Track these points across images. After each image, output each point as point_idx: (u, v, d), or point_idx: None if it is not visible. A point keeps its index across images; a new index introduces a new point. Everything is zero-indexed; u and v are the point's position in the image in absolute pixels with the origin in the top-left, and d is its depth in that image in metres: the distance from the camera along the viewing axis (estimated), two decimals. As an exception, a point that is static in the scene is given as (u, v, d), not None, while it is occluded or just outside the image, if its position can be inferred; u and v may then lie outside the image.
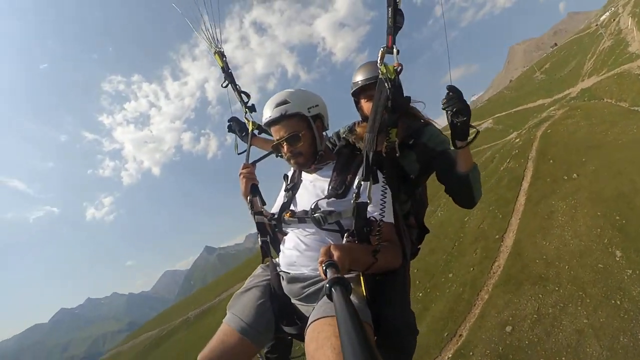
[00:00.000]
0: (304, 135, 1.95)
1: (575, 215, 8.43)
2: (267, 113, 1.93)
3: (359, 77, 2.36)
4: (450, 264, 11.06)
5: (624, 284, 6.33)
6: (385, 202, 1.75)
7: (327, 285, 1.06)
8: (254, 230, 2.16)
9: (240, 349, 1.73)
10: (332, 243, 1.66)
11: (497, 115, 45.32)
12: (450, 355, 7.51)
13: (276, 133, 1.97)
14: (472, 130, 1.85)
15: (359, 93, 2.37)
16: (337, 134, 2.67)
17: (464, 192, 2.04)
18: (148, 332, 57.32)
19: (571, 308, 6.40)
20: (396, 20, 1.68)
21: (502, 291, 8.05)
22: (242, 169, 2.29)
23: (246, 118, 2.72)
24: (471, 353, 7.15)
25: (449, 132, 1.86)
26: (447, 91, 1.77)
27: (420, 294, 10.66)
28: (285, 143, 1.95)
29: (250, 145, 2.55)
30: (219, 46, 2.79)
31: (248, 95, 2.74)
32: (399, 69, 1.77)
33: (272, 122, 1.94)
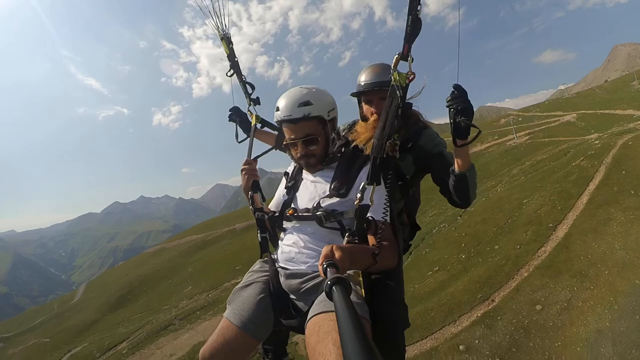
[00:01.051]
0: (320, 139, 2.02)
1: (630, 230, 8.94)
2: (287, 111, 1.96)
3: (363, 79, 2.41)
4: (498, 237, 11.90)
5: (652, 306, 7.08)
6: (387, 204, 1.86)
7: (328, 284, 1.10)
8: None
9: (241, 342, 1.84)
10: (333, 243, 1.72)
11: (582, 112, 42.75)
12: (479, 314, 8.71)
13: (292, 132, 2.01)
14: (472, 134, 1.95)
15: (360, 94, 2.45)
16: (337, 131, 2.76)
17: (460, 191, 2.13)
18: (193, 235, 59.81)
19: (599, 309, 7.24)
20: (414, 28, 1.73)
21: (541, 274, 8.99)
22: (244, 164, 2.35)
23: (249, 111, 2.76)
24: (499, 317, 8.21)
25: (451, 131, 1.95)
26: (452, 89, 1.87)
27: (463, 256, 11.79)
28: (300, 144, 2.02)
29: (253, 140, 2.58)
30: (226, 31, 2.74)
31: (253, 87, 2.75)
32: (411, 78, 1.81)
33: (291, 121, 1.97)
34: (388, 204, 1.85)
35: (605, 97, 49.64)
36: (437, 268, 12.24)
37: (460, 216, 15.72)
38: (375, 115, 2.34)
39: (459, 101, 1.81)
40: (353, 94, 2.48)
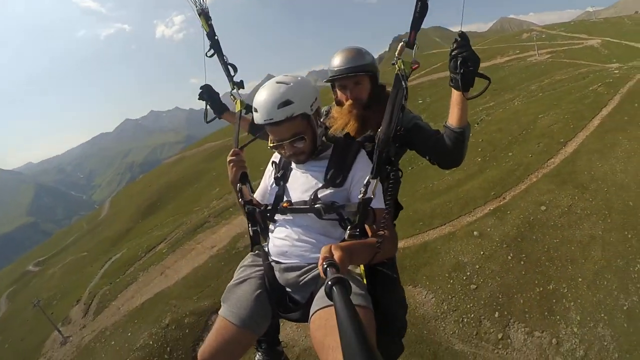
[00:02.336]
0: (308, 135, 1.94)
1: (632, 157, 10.28)
2: (268, 114, 1.83)
3: (336, 64, 2.27)
4: (513, 145, 13.42)
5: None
6: (390, 192, 1.85)
7: (328, 284, 1.09)
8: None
9: (241, 339, 1.82)
10: (329, 234, 1.86)
11: (607, 39, 41.13)
12: (492, 208, 10.50)
13: (277, 134, 1.92)
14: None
15: (334, 80, 2.30)
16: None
17: (457, 148, 2.00)
18: (211, 143, 59.46)
19: (594, 218, 8.89)
20: (422, 14, 1.69)
21: (548, 181, 10.64)
22: (231, 155, 2.22)
23: (232, 95, 2.60)
24: (509, 212, 10.04)
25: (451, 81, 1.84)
26: (456, 37, 1.78)
27: (479, 159, 13.40)
28: (287, 144, 1.93)
29: (239, 127, 2.44)
30: (204, 5, 2.54)
31: (235, 69, 2.58)
32: (415, 67, 1.81)
33: (274, 124, 1.85)
34: (390, 192, 1.86)
35: (633, 29, 48.18)
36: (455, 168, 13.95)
37: (478, 124, 17.01)
38: (350, 100, 2.26)
39: (465, 49, 1.75)
40: (327, 80, 2.36)
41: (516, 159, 12.44)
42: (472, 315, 8.03)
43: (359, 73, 2.19)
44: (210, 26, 2.52)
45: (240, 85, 2.58)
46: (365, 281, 1.81)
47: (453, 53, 1.77)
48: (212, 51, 2.54)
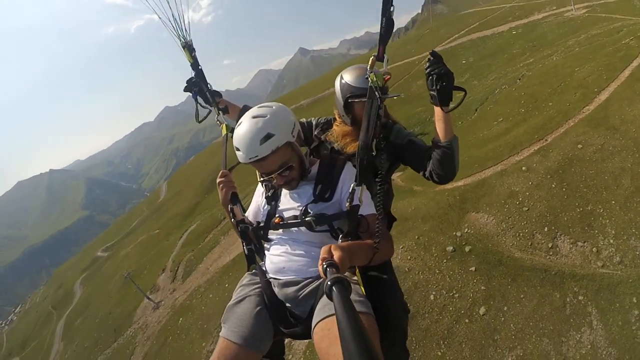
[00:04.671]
0: (294, 162, 2.00)
1: None
2: (251, 152, 1.84)
3: (355, 82, 2.35)
4: (552, 96, 15.17)
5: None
6: (380, 198, 1.93)
7: (327, 284, 1.12)
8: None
9: (244, 359, 1.81)
10: (324, 245, 1.74)
11: None
12: (536, 148, 12.45)
13: (264, 168, 1.95)
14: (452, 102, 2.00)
15: (356, 98, 2.35)
16: (310, 124, 2.72)
17: (447, 163, 2.09)
18: None
19: (624, 154, 10.28)
20: (388, 30, 1.75)
21: (584, 125, 12.36)
22: (220, 177, 2.26)
23: (218, 120, 2.62)
24: (550, 150, 11.87)
25: (431, 99, 2.00)
26: (429, 57, 1.92)
27: (523, 110, 15.37)
28: (277, 176, 1.97)
29: (226, 150, 2.40)
30: (187, 37, 2.61)
31: (220, 95, 2.63)
32: (387, 78, 1.94)
33: (261, 159, 1.87)
34: (379, 198, 1.91)
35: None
36: (501, 119, 16.04)
37: (519, 79, 18.91)
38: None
39: (438, 67, 1.85)
40: (347, 97, 2.37)
41: (556, 107, 14.17)
42: (526, 231, 10.00)
43: None
44: (194, 57, 2.61)
45: (225, 110, 2.63)
46: (362, 287, 1.82)
47: (427, 71, 1.90)
48: (196, 79, 2.63)
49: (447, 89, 1.91)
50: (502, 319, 8.08)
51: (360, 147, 1.91)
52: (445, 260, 10.22)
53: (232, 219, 2.24)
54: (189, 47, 2.58)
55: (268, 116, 1.89)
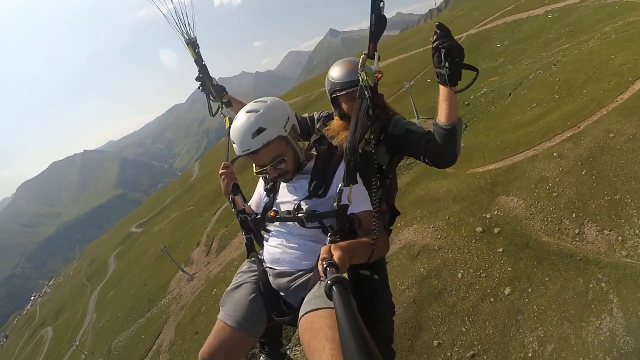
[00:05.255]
0: (288, 155, 2.02)
1: None
2: (244, 146, 1.90)
3: (338, 78, 2.31)
4: (587, 83, 15.14)
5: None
6: (375, 195, 1.91)
7: (328, 284, 1.14)
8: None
9: (238, 342, 1.93)
10: (317, 241, 1.97)
11: None
12: (568, 135, 12.65)
13: (258, 161, 2.00)
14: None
15: (339, 92, 2.32)
16: (312, 119, 2.74)
17: (449, 146, 1.96)
18: (290, 100, 61.94)
19: None
20: (379, 27, 1.70)
21: (617, 114, 12.41)
22: (223, 169, 2.37)
23: (222, 114, 2.68)
24: (582, 138, 12.02)
25: (437, 78, 1.80)
26: (435, 30, 1.71)
27: (557, 97, 15.44)
28: (270, 169, 2.01)
29: (229, 143, 2.33)
30: (192, 34, 2.63)
31: (224, 89, 2.70)
32: (379, 77, 1.88)
33: (252, 153, 1.93)
34: (374, 194, 1.91)
35: None
36: (535, 105, 16.13)
37: (555, 65, 18.80)
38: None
39: (447, 40, 1.68)
40: (332, 93, 2.37)
41: (590, 95, 14.22)
42: (555, 216, 10.37)
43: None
44: (198, 54, 2.64)
45: (228, 104, 2.69)
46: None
47: (435, 45, 1.71)
48: (201, 75, 2.69)
49: (458, 67, 1.73)
50: (526, 300, 8.54)
51: (348, 149, 1.88)
52: (474, 241, 10.75)
53: (234, 209, 2.33)
54: (192, 44, 2.62)
55: (261, 111, 1.94)
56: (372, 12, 1.66)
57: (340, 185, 1.88)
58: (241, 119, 1.93)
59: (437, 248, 11.08)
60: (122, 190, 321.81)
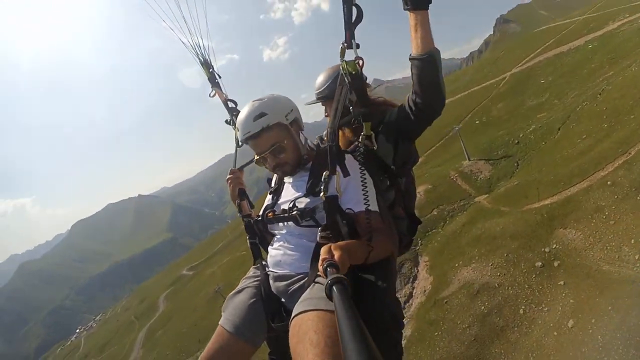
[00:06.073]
0: (287, 144, 1.97)
1: None
2: (245, 128, 1.92)
3: (315, 87, 2.35)
4: (634, 108, 15.27)
5: None
6: (367, 192, 1.78)
7: (328, 284, 1.11)
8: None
9: (236, 349, 1.83)
10: (331, 243, 1.66)
11: None
12: (620, 162, 12.64)
13: (257, 147, 1.97)
14: None
15: (320, 100, 2.37)
16: (321, 138, 2.62)
17: (428, 80, 1.77)
18: None
19: None
20: (353, 15, 1.67)
21: None
22: (230, 174, 2.39)
23: (232, 126, 2.65)
24: (634, 163, 12.06)
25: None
26: None
27: (605, 125, 15.62)
28: (269, 155, 1.96)
29: (237, 151, 2.54)
30: (206, 55, 2.75)
31: (235, 103, 2.72)
32: (360, 63, 1.79)
33: (252, 137, 1.92)
34: (368, 190, 1.79)
35: None
36: (585, 136, 16.31)
37: (600, 94, 18.95)
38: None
39: None
40: (318, 101, 2.42)
41: (638, 120, 14.27)
42: (614, 244, 10.30)
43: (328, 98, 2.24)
44: (212, 73, 2.76)
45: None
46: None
47: None
48: (213, 92, 2.76)
49: None
50: (590, 331, 8.55)
51: (328, 133, 1.86)
52: (534, 276, 10.86)
53: (239, 213, 2.33)
54: (206, 64, 2.75)
55: (265, 99, 1.98)
56: (344, 3, 1.67)
57: (325, 173, 1.78)
58: (246, 107, 1.98)
59: (496, 285, 11.22)
60: (172, 234, 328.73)
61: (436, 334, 11.09)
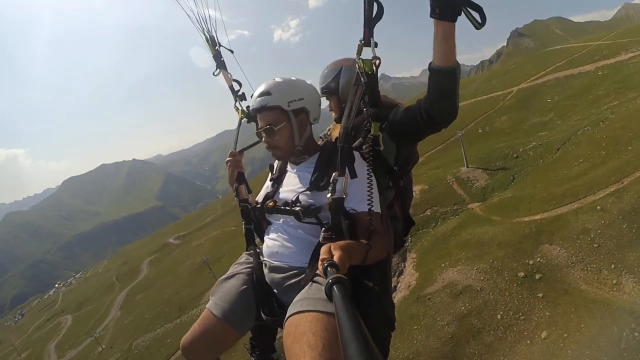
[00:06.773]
0: (281, 129, 1.93)
1: None
2: (252, 102, 1.97)
3: (319, 83, 2.34)
4: (633, 140, 15.88)
5: None
6: (372, 192, 1.77)
7: (328, 284, 1.10)
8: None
9: (221, 333, 1.82)
10: (316, 237, 1.78)
11: None
12: (612, 190, 13.05)
13: (259, 122, 2.00)
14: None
15: (325, 95, 2.33)
16: (325, 137, 2.69)
17: (447, 94, 1.74)
18: None
19: None
20: (373, 12, 1.62)
21: None
22: (229, 156, 2.34)
23: (235, 107, 2.64)
24: (625, 193, 12.53)
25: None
26: None
27: (603, 152, 16.26)
28: (263, 134, 1.98)
29: (238, 133, 2.54)
30: (212, 32, 2.67)
31: (240, 84, 2.66)
32: (377, 63, 1.73)
33: (255, 111, 1.98)
34: (371, 193, 1.78)
35: None
36: (582, 160, 16.84)
37: (602, 122, 19.50)
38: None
39: None
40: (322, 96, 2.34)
41: (635, 152, 14.77)
42: (594, 266, 10.87)
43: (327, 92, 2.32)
44: (217, 51, 2.67)
45: (242, 97, 2.63)
46: None
47: None
48: (218, 70, 2.67)
49: None
50: (561, 344, 9.08)
51: (341, 134, 1.77)
52: (515, 285, 11.41)
53: (236, 197, 2.28)
54: (212, 41, 2.66)
55: (281, 81, 1.96)
56: None
57: (334, 175, 1.73)
58: (266, 82, 1.99)
59: (479, 289, 11.75)
60: (162, 203, 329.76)
61: (415, 327, 11.55)
